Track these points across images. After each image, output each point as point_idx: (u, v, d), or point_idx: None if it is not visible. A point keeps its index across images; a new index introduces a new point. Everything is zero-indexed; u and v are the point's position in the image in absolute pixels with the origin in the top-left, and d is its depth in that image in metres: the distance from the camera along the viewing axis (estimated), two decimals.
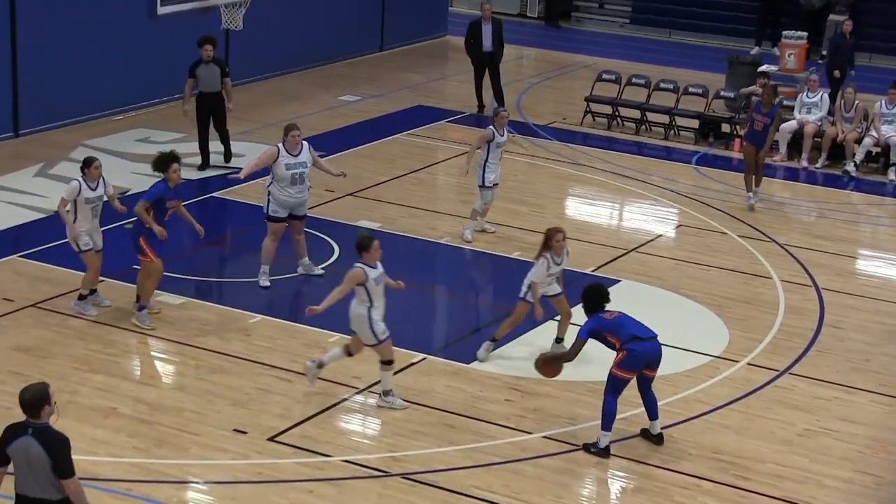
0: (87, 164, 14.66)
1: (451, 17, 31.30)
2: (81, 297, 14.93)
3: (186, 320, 14.79)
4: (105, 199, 14.84)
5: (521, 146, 18.90)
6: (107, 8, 22.26)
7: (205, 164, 20.28)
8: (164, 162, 14.66)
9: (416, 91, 25.77)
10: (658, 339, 12.44)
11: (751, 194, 19.63)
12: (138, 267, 14.99)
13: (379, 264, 13.01)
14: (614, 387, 12.32)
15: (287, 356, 14.07)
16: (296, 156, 15.69)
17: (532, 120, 24.06)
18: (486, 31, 24.00)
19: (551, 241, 13.90)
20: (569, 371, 13.81)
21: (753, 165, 19.56)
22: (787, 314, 15.73)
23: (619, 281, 16.39)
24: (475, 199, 17.83)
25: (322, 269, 16.37)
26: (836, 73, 23.52)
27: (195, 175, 19.92)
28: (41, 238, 17.01)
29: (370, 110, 24.18)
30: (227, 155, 20.37)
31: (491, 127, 17.45)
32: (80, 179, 14.59)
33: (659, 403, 12.91)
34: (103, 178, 14.77)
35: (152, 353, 14.28)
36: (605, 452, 12.38)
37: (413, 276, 16.61)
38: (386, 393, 13.16)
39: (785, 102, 22.85)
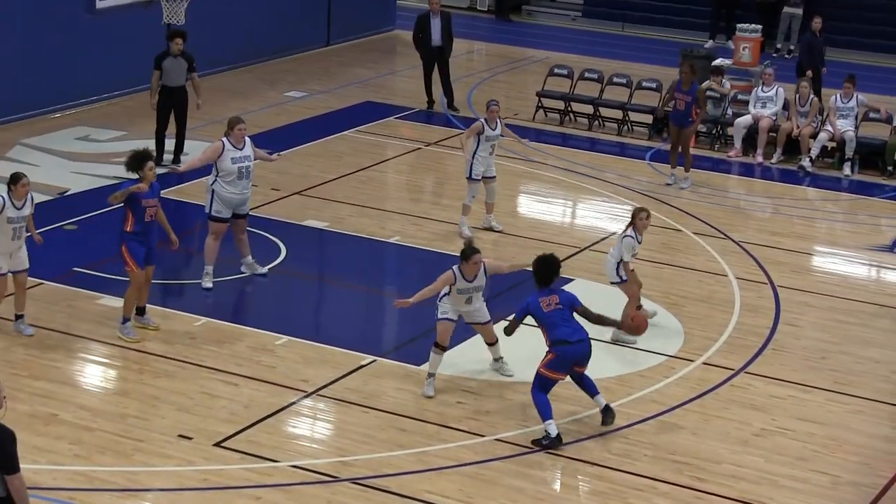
0: (15, 180, 13.90)
1: (399, 10, 31.24)
2: None
3: (131, 324, 14.73)
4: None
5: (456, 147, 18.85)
6: (44, 2, 22.12)
7: (159, 160, 20.20)
8: (139, 160, 14.33)
9: (364, 87, 25.79)
10: (588, 339, 12.77)
11: (674, 172, 20.23)
12: (80, 269, 14.92)
13: (476, 278, 13.55)
14: (542, 385, 12.71)
15: (233, 359, 14.07)
16: (241, 149, 15.70)
17: (483, 115, 24.01)
18: (435, 24, 24.04)
19: (635, 219, 14.70)
20: (522, 373, 13.94)
21: (678, 144, 20.18)
22: (742, 312, 15.88)
23: (572, 280, 16.45)
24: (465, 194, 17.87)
25: (266, 269, 16.37)
26: (809, 72, 23.56)
27: (164, 167, 19.89)
28: None
29: (317, 107, 24.19)
30: (178, 154, 20.27)
31: (482, 120, 17.62)
32: (5, 196, 13.79)
33: (614, 404, 13.05)
34: (30, 197, 14.07)
35: (94, 358, 14.21)
36: (556, 441, 12.52)
37: (362, 277, 16.72)
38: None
39: (739, 97, 23.09)
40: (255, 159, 15.94)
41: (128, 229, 14.31)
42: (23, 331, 14.34)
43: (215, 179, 15.71)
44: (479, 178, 17.66)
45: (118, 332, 14.47)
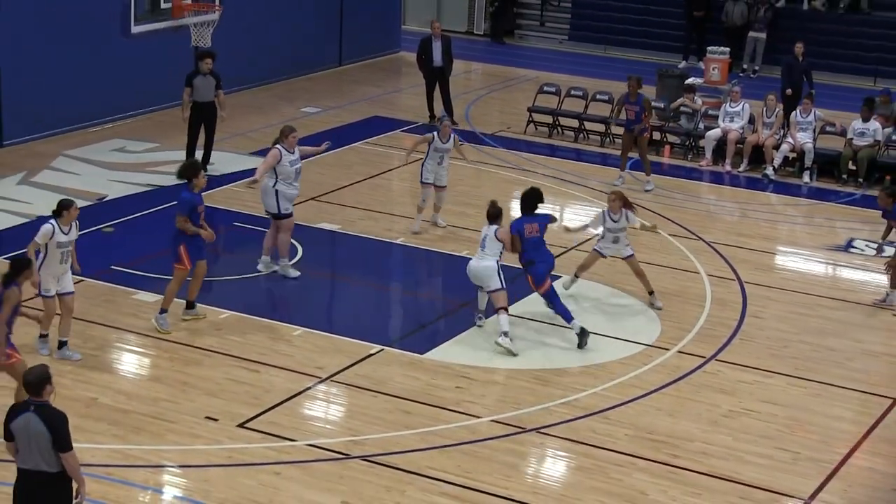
0: (65, 206, 13.44)
1: (403, 34, 31.23)
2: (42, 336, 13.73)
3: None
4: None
5: (464, 157, 18.86)
6: (85, 26, 22.10)
7: (204, 164, 20.19)
8: (194, 169, 14.42)
9: (372, 103, 25.74)
10: (552, 261, 14.88)
11: (622, 175, 20.59)
12: (117, 268, 14.89)
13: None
14: (547, 296, 14.74)
15: (255, 348, 14.06)
16: (293, 153, 16.01)
17: (479, 129, 24.10)
18: (437, 47, 24.00)
19: (608, 201, 15.54)
20: (515, 360, 13.96)
21: (627, 149, 20.61)
22: (713, 306, 15.86)
23: (559, 276, 16.43)
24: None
25: (298, 273, 16.29)
26: (789, 91, 23.49)
27: (235, 166, 20.13)
28: (24, 241, 16.69)
29: (330, 121, 24.14)
30: (205, 163, 20.24)
31: (435, 133, 17.67)
32: (54, 223, 13.34)
33: (597, 388, 13.07)
34: (76, 222, 13.64)
35: (130, 347, 14.21)
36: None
37: (371, 274, 16.70)
38: (505, 334, 14.28)
39: (710, 112, 23.07)
40: (306, 157, 16.47)
41: (191, 233, 14.26)
42: (70, 356, 13.64)
43: (276, 181, 15.86)
44: (430, 183, 17.70)
45: (154, 322, 14.43)
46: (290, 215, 16.12)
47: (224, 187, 19.34)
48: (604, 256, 15.93)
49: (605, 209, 15.76)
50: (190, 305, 14.74)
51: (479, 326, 14.93)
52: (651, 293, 15.74)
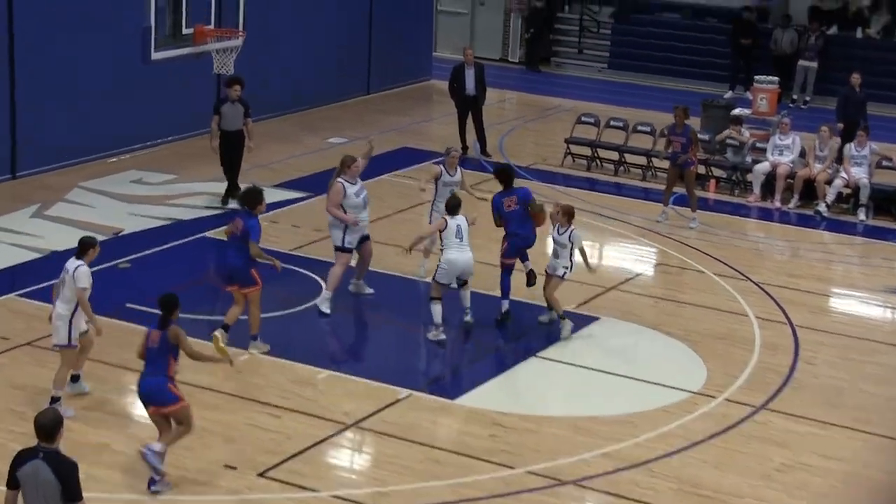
0: (91, 245, 13.44)
1: (435, 61, 31.31)
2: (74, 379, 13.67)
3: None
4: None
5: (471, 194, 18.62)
6: (102, 53, 22.22)
7: (227, 199, 20.21)
8: (258, 197, 14.79)
9: (402, 133, 25.73)
10: (533, 234, 16.12)
11: (665, 210, 20.50)
12: (133, 306, 14.82)
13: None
14: (505, 270, 16.17)
15: (277, 392, 13.96)
16: (355, 184, 16.17)
17: (514, 161, 24.01)
18: (469, 75, 24.00)
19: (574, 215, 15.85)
20: (551, 407, 13.81)
21: (672, 184, 20.50)
22: (762, 351, 15.67)
23: (598, 318, 16.31)
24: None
25: (372, 290, 16.79)
26: (840, 125, 23.28)
27: (214, 208, 20.11)
28: (37, 277, 16.85)
29: (357, 152, 23.97)
30: (230, 194, 20.24)
31: (441, 166, 17.47)
32: (83, 263, 13.28)
33: (638, 438, 12.91)
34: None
35: None
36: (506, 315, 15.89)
37: (400, 314, 16.58)
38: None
39: (757, 145, 22.93)
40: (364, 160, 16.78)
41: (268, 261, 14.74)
42: (83, 389, 13.73)
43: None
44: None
45: (251, 349, 14.66)
46: (350, 250, 16.31)
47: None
48: (560, 278, 15.74)
49: (572, 228, 15.80)
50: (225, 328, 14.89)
51: (469, 321, 15.82)
52: (562, 318, 15.67)
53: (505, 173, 16.61)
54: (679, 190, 20.75)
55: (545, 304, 15.99)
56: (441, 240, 15.67)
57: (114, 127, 22.61)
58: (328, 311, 16.21)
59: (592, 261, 16.31)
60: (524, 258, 16.30)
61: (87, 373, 14.01)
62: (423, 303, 17.30)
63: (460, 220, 15.53)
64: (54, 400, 13.20)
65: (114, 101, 22.54)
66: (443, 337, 15.48)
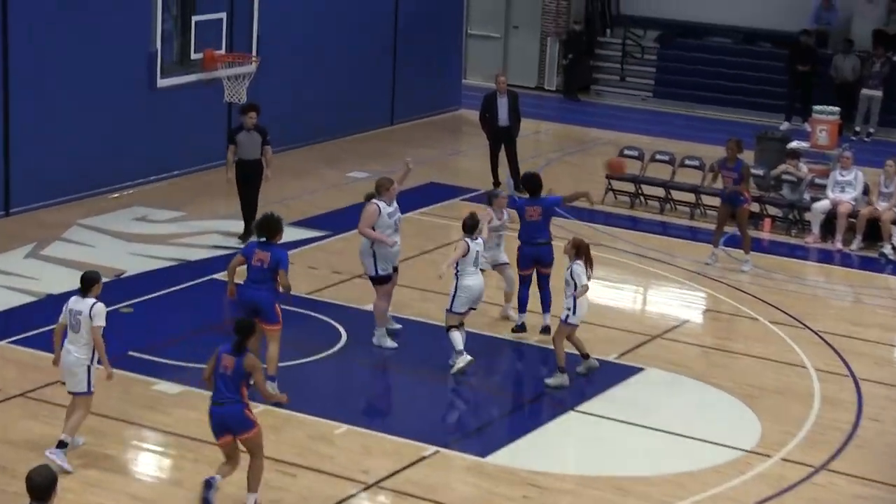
0: (96, 280, 13.64)
1: (464, 89, 31.45)
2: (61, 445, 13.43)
3: (185, 411, 14.67)
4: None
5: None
6: (104, 80, 22.36)
7: (247, 233, 20.37)
8: (279, 224, 15.13)
9: (428, 167, 25.78)
10: (547, 244, 17.04)
11: (715, 252, 20.54)
12: (135, 353, 14.84)
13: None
14: (521, 282, 17.20)
15: (290, 448, 13.95)
16: (390, 205, 16.55)
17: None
18: (502, 104, 24.08)
19: (588, 249, 15.79)
20: (590, 465, 13.77)
21: (723, 223, 20.50)
22: (822, 406, 15.60)
23: (642, 369, 16.27)
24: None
25: (399, 325, 17.01)
26: None
27: (234, 244, 20.22)
28: (32, 323, 16.93)
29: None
30: (248, 229, 20.38)
31: (489, 208, 17.60)
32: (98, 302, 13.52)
33: (686, 501, 12.81)
34: None
35: (147, 447, 14.19)
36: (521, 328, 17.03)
37: (426, 364, 16.57)
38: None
39: (817, 181, 22.89)
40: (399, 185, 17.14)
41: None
42: (77, 443, 13.68)
43: (372, 241, 16.26)
44: (490, 266, 17.42)
45: (273, 389, 14.60)
46: (389, 278, 16.57)
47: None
48: (575, 326, 15.77)
49: (576, 261, 15.74)
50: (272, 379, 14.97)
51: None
52: (560, 369, 15.70)
53: (531, 181, 17.52)
54: (730, 230, 20.72)
55: (580, 354, 15.98)
56: (457, 265, 16.00)
57: (116, 160, 22.74)
58: (392, 344, 16.66)
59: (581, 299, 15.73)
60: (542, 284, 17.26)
61: (85, 427, 14.00)
62: (449, 352, 17.34)
63: (479, 244, 16.14)
64: (61, 444, 13.29)
65: (116, 131, 22.68)
66: (469, 358, 15.87)
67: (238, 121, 20.45)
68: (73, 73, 21.95)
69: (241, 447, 12.51)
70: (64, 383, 13.69)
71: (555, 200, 17.65)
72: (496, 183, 24.15)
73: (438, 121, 30.19)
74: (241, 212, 20.66)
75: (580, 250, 15.72)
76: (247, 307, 14.94)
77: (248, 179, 20.31)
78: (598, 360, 16.18)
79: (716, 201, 21.55)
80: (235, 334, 12.45)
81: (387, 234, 16.44)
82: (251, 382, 12.42)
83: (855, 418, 15.29)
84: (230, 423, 12.32)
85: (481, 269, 16.27)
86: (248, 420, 12.36)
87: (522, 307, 17.25)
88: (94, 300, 13.37)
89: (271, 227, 15.09)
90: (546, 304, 17.20)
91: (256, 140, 20.15)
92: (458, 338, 15.96)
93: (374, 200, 16.51)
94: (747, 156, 25.02)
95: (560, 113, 31.90)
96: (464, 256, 15.92)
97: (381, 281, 16.52)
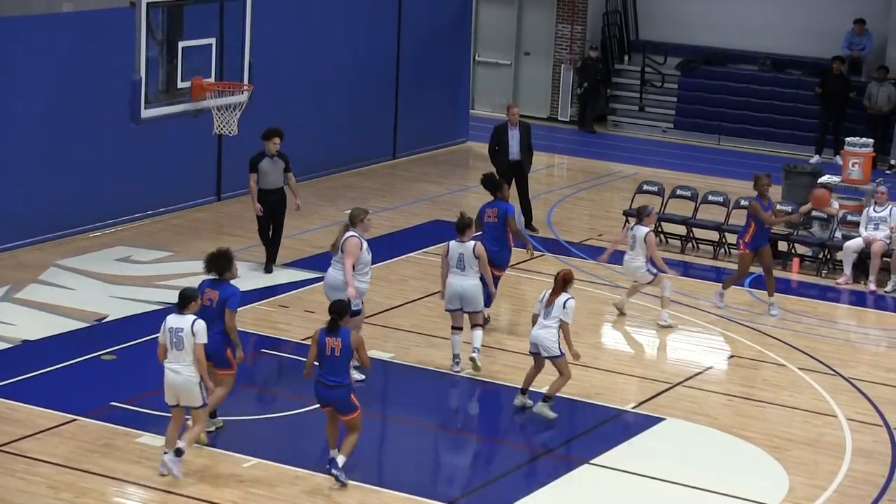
0: (193, 297, 14.48)
1: (472, 120, 31.54)
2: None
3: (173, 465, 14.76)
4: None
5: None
6: (84, 110, 22.45)
7: (269, 266, 20.60)
8: (228, 259, 15.10)
9: (432, 204, 25.92)
10: (500, 250, 18.61)
11: (722, 293, 20.76)
12: (118, 404, 14.94)
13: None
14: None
15: None
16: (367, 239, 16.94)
17: (564, 237, 24.19)
18: (513, 136, 24.14)
19: (571, 283, 16.44)
20: None
21: (749, 263, 20.59)
22: (854, 458, 15.68)
23: (663, 419, 16.37)
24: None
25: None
26: None
27: (263, 281, 20.59)
28: (6, 372, 16.99)
29: (380, 225, 24.29)
30: (272, 262, 20.85)
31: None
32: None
33: None
34: None
35: None
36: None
37: (430, 414, 16.68)
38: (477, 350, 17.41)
39: (849, 217, 23.00)
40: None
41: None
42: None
43: (353, 275, 16.62)
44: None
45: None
46: (360, 312, 16.83)
47: (250, 306, 19.43)
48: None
49: (570, 295, 16.43)
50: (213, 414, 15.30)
51: (476, 362, 17.30)
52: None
53: (488, 183, 19.45)
54: (755, 270, 20.84)
55: (590, 400, 16.18)
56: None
57: (97, 196, 22.85)
58: (360, 376, 16.74)
59: (575, 348, 16.36)
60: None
61: (66, 483, 14.17)
62: (456, 401, 17.45)
63: (465, 247, 17.33)
64: (179, 452, 14.25)
65: (98, 165, 22.78)
66: (457, 369, 17.46)
67: (262, 146, 20.76)
68: (51, 103, 22.06)
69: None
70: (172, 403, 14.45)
71: (510, 208, 19.12)
72: None
73: (444, 154, 30.30)
74: (264, 245, 21.00)
75: (563, 284, 16.24)
76: None
77: (273, 210, 20.71)
78: (614, 408, 16.24)
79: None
80: (330, 315, 14.13)
81: (364, 271, 16.78)
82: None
83: (889, 471, 15.35)
84: (335, 406, 14.24)
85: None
86: (352, 405, 14.21)
87: (487, 302, 18.32)
88: (193, 317, 14.24)
89: (220, 262, 15.05)
90: (488, 300, 18.36)
91: (280, 167, 20.64)
92: (453, 341, 17.61)
93: (352, 232, 16.77)
94: (776, 191, 25.21)
95: (574, 145, 32.01)
96: (445, 256, 17.35)
97: (354, 315, 16.54)
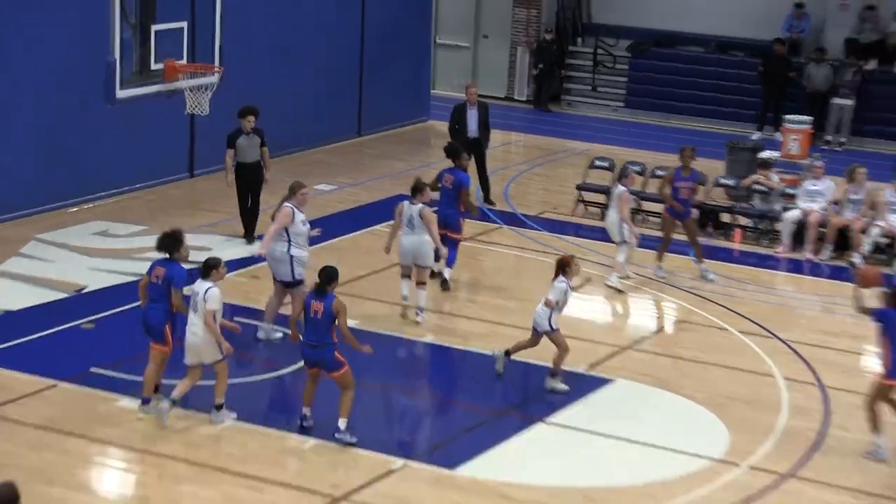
0: (215, 265, 14.87)
1: (433, 100, 31.52)
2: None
3: (149, 426, 14.88)
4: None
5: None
6: (61, 90, 22.44)
7: (249, 237, 20.77)
8: (177, 240, 15.07)
9: (396, 179, 25.92)
10: (446, 212, 19.34)
11: (661, 265, 20.84)
12: (97, 370, 14.99)
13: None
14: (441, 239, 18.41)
15: (258, 463, 14.12)
16: (302, 212, 16.98)
17: (520, 210, 24.26)
18: (472, 115, 24.21)
19: (570, 266, 16.18)
20: (561, 477, 14.04)
21: (670, 236, 20.88)
22: (790, 414, 15.90)
23: (612, 381, 16.56)
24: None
25: (281, 333, 17.17)
26: None
27: (243, 251, 20.61)
28: None
29: (346, 200, 24.39)
30: (251, 233, 21.11)
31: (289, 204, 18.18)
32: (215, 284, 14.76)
33: None
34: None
35: (112, 463, 14.33)
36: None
37: (394, 377, 16.82)
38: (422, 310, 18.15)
39: (788, 190, 23.21)
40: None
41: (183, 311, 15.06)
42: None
43: (289, 245, 16.65)
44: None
45: (151, 412, 14.93)
46: (303, 282, 16.83)
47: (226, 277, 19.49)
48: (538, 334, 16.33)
49: (560, 279, 16.19)
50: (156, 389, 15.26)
51: (420, 323, 17.95)
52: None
53: (448, 151, 20.25)
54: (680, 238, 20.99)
55: (545, 364, 16.32)
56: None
57: (76, 173, 22.86)
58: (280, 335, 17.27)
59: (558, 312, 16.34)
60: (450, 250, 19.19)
61: (47, 444, 14.29)
62: (421, 365, 17.60)
63: (414, 209, 18.04)
64: (218, 406, 14.88)
65: (76, 143, 22.79)
66: (406, 304, 18.37)
67: (238, 123, 20.81)
68: (29, 84, 22.04)
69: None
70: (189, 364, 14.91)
71: (466, 179, 19.74)
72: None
73: (407, 132, 30.33)
74: (241, 216, 21.21)
75: (561, 267, 16.17)
76: (143, 326, 15.14)
77: (250, 183, 20.83)
78: (567, 371, 16.43)
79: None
80: (318, 278, 14.29)
81: (300, 241, 16.81)
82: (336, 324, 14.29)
83: (822, 426, 15.61)
84: (321, 364, 14.42)
85: None
86: (338, 361, 14.37)
87: (448, 263, 19.34)
88: (209, 284, 14.63)
89: (168, 242, 15.05)
90: (448, 262, 19.35)
91: (255, 143, 20.83)
92: (402, 284, 18.46)
93: (287, 204, 16.92)
94: (719, 165, 25.42)
95: (530, 124, 32.08)
96: (400, 214, 18.10)
97: (297, 284, 16.81)
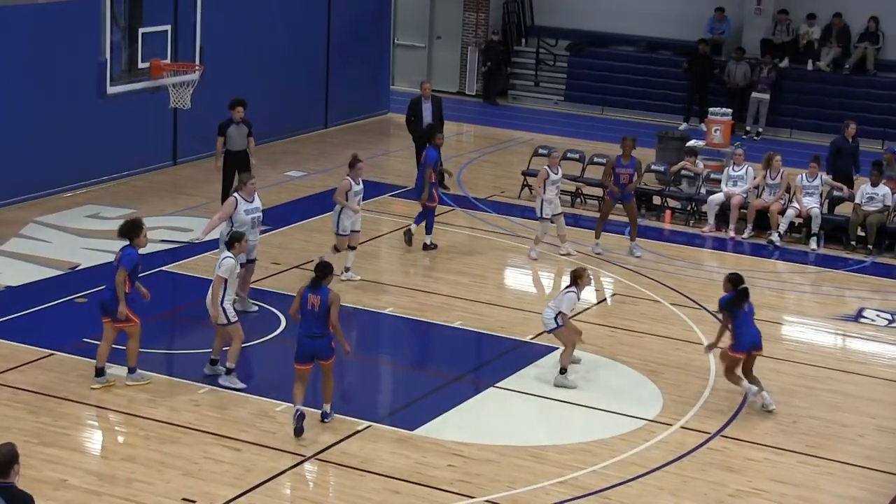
0: (238, 238, 15.04)
1: (392, 94, 31.43)
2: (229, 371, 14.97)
3: (136, 392, 14.66)
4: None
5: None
6: (58, 86, 22.24)
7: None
8: (136, 227, 14.79)
9: None
10: (417, 182, 20.10)
11: (598, 242, 20.72)
12: (90, 340, 14.79)
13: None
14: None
15: (235, 425, 13.97)
16: (251, 202, 16.58)
17: (472, 193, 24.17)
18: (427, 108, 24.10)
19: (581, 278, 15.45)
20: (509, 436, 13.89)
21: (607, 216, 20.86)
22: (717, 379, 15.78)
23: (556, 348, 16.41)
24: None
25: (257, 307, 16.95)
26: (828, 176, 22.32)
27: (181, 238, 20.18)
28: None
29: (315, 185, 24.18)
30: None
31: (348, 178, 18.50)
32: (231, 255, 14.80)
33: (596, 467, 12.97)
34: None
35: (102, 425, 14.15)
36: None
37: (358, 347, 16.62)
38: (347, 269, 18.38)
39: (712, 175, 23.15)
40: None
41: (128, 290, 14.60)
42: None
43: (230, 232, 16.21)
44: (348, 232, 18.62)
45: (129, 382, 14.76)
46: (254, 261, 16.87)
47: (205, 255, 19.29)
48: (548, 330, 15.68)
49: (571, 288, 15.52)
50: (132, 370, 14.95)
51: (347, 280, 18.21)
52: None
53: (426, 133, 21.11)
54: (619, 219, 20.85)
55: (495, 333, 16.12)
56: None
57: (70, 161, 22.60)
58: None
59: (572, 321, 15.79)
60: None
61: (45, 408, 14.05)
62: (383, 335, 17.42)
63: (359, 187, 18.52)
64: (229, 371, 14.84)
65: (70, 135, 22.54)
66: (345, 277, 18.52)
67: (228, 114, 20.71)
68: (29, 82, 21.80)
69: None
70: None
71: (432, 156, 20.30)
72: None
73: (369, 124, 30.17)
74: (222, 200, 20.73)
75: (574, 278, 15.54)
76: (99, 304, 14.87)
77: (237, 168, 20.54)
78: (516, 340, 16.29)
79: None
80: (315, 273, 13.75)
81: (242, 230, 16.07)
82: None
83: (746, 390, 15.50)
84: (319, 353, 13.71)
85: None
86: (333, 350, 13.82)
87: (428, 229, 20.19)
88: (228, 255, 14.79)
89: (127, 229, 14.83)
90: (428, 228, 20.25)
91: (244, 132, 20.76)
92: (347, 255, 18.60)
93: (235, 194, 16.74)
94: (650, 153, 25.34)
95: (480, 116, 31.96)
96: (348, 190, 18.31)
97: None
